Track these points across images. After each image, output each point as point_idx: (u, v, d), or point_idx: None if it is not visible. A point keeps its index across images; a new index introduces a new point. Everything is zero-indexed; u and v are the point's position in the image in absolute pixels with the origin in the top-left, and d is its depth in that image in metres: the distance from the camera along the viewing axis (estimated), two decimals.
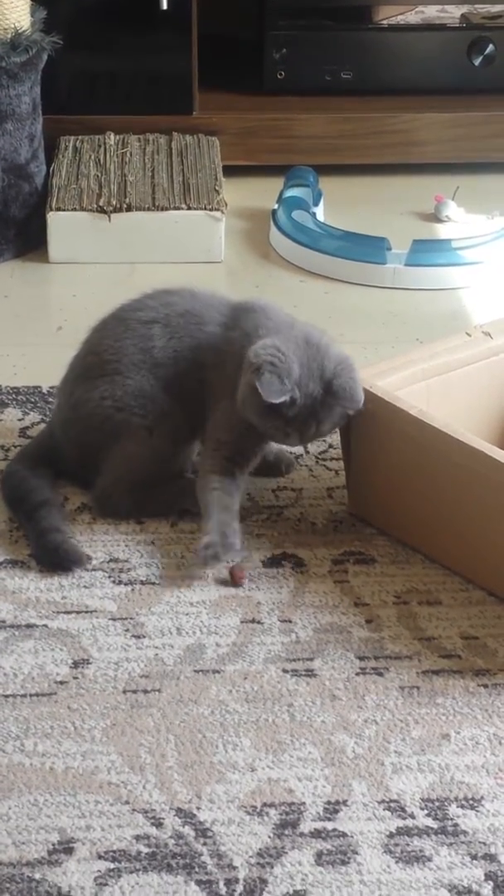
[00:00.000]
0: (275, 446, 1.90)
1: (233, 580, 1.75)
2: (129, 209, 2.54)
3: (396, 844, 1.40)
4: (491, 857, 1.39)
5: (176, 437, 1.84)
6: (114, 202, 2.54)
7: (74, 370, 1.90)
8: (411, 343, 2.27)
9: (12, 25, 2.48)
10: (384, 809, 1.44)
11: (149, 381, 1.83)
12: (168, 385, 1.83)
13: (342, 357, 1.78)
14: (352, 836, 1.41)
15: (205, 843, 1.40)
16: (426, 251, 2.49)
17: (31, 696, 1.57)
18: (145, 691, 1.58)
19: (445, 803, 1.45)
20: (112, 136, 2.76)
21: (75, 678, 1.60)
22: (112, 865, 1.37)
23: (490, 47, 2.87)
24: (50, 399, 2.07)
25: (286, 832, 1.41)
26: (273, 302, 1.91)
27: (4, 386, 2.13)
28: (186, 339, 1.84)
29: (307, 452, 2.00)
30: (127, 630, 1.67)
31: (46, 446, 1.92)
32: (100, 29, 2.77)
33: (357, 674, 1.61)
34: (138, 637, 1.66)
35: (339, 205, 2.73)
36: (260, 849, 1.39)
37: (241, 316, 1.84)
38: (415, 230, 2.64)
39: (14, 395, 2.11)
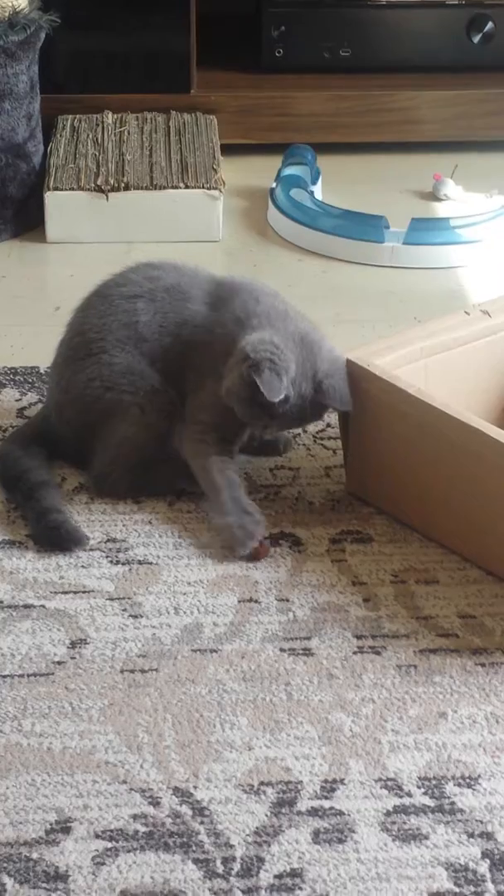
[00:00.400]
0: None
1: (257, 556, 1.75)
2: (126, 188, 2.53)
3: (393, 823, 1.41)
4: (488, 836, 1.39)
5: (169, 412, 1.83)
6: (112, 181, 2.53)
7: (62, 353, 1.90)
8: (409, 322, 2.26)
9: (10, 4, 2.47)
10: (381, 788, 1.44)
11: (135, 357, 1.83)
12: (154, 361, 1.83)
13: (334, 357, 1.78)
14: (349, 815, 1.41)
15: (202, 822, 1.40)
16: (424, 230, 2.49)
17: (28, 676, 1.57)
18: (143, 671, 1.58)
19: (442, 782, 1.45)
20: (110, 115, 2.75)
21: (73, 658, 1.60)
22: (109, 844, 1.37)
23: (489, 24, 2.85)
24: (47, 379, 2.07)
25: (283, 811, 1.41)
26: (257, 280, 1.91)
27: (2, 366, 2.13)
28: (171, 314, 1.83)
29: (304, 431, 1.99)
30: (124, 610, 1.67)
31: (42, 428, 1.91)
32: (98, 7, 2.76)
33: (354, 652, 1.61)
34: (136, 617, 1.66)
35: (337, 183, 2.72)
36: (257, 827, 1.40)
37: (228, 296, 1.83)
38: (413, 209, 2.63)
39: (11, 376, 2.11)
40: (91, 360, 1.84)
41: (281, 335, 1.75)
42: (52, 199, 2.52)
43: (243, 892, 1.33)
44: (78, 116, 2.75)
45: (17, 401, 2.05)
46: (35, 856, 1.36)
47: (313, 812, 1.42)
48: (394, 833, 1.39)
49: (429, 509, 1.78)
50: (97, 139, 2.67)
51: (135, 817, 1.40)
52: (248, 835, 1.39)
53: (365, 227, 2.49)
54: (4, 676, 1.57)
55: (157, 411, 1.82)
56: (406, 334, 1.88)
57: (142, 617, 1.66)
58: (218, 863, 1.36)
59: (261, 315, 1.79)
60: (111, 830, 1.39)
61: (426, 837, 1.39)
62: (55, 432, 1.89)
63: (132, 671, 1.58)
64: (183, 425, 1.83)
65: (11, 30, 2.45)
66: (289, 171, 2.65)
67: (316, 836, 1.39)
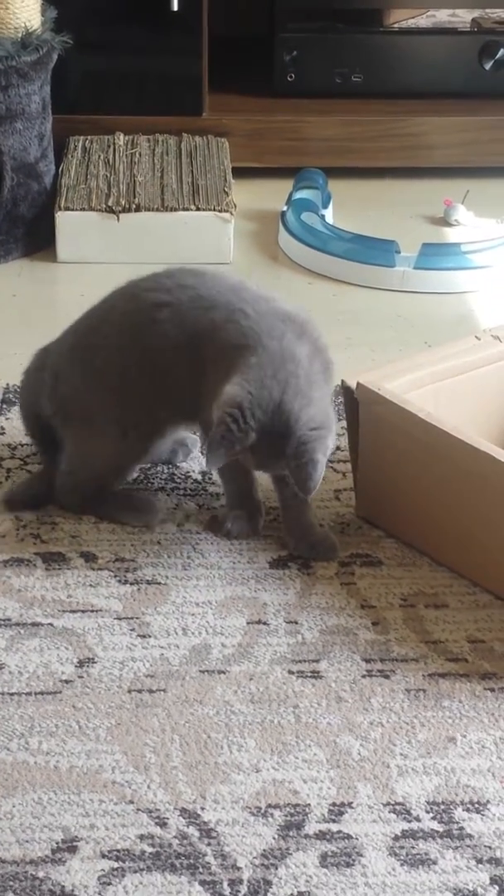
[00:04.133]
0: None
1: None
2: (137, 209, 2.53)
3: (402, 847, 1.40)
4: (496, 861, 1.38)
5: (151, 437, 1.82)
6: (123, 202, 2.54)
7: (69, 341, 1.85)
8: (420, 346, 2.26)
9: (23, 24, 2.48)
10: (389, 812, 1.44)
11: (136, 365, 1.78)
12: (159, 371, 1.78)
13: (312, 426, 1.66)
14: (357, 839, 1.40)
15: (209, 844, 1.39)
16: (435, 254, 2.49)
17: (36, 694, 1.57)
18: (150, 691, 1.58)
19: (451, 806, 1.44)
20: (121, 136, 2.76)
21: (80, 677, 1.59)
22: (116, 865, 1.37)
23: (501, 51, 2.86)
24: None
25: (291, 833, 1.41)
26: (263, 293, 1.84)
27: (12, 384, 2.13)
28: (190, 324, 1.76)
29: None
30: (132, 629, 1.67)
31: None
32: (110, 29, 2.77)
33: (363, 676, 1.61)
34: (144, 637, 1.66)
35: (348, 207, 2.73)
36: (264, 850, 1.39)
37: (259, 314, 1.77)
38: (424, 233, 2.64)
39: None
40: (90, 354, 1.80)
41: (258, 384, 1.66)
42: (63, 219, 2.53)
43: None
44: (89, 137, 2.76)
45: None
46: (41, 875, 1.35)
47: (321, 835, 1.41)
48: (402, 858, 1.38)
49: (438, 533, 1.78)
50: (108, 160, 2.68)
51: (141, 838, 1.40)
52: (255, 857, 1.38)
53: (376, 251, 2.50)
54: (12, 694, 1.57)
55: (140, 437, 1.81)
56: (416, 359, 1.88)
57: (150, 637, 1.66)
58: (225, 885, 1.35)
59: (252, 351, 1.70)
60: (118, 850, 1.38)
61: (434, 862, 1.38)
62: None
63: (140, 691, 1.58)
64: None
65: (24, 50, 2.46)
66: (300, 194, 2.66)
67: (323, 859, 1.38)
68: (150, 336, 1.78)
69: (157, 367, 1.78)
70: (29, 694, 1.57)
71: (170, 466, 1.95)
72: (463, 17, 2.99)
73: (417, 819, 1.43)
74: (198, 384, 1.75)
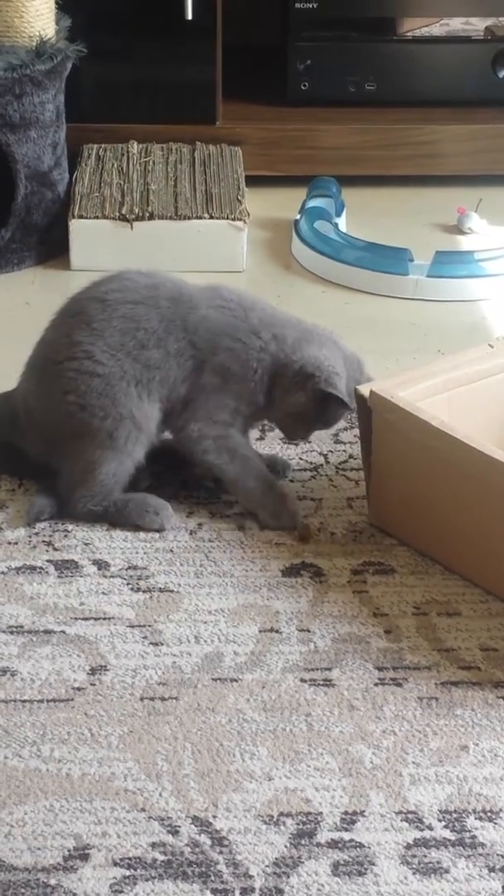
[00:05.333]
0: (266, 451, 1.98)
1: (306, 538, 1.83)
2: (151, 218, 2.54)
3: (414, 856, 1.39)
4: None
5: (139, 440, 1.82)
6: (136, 211, 2.54)
7: (42, 353, 1.86)
8: (433, 354, 2.26)
9: (37, 33, 2.49)
10: (402, 820, 1.43)
11: (122, 369, 1.79)
12: (148, 371, 1.81)
13: (356, 359, 1.92)
14: (369, 847, 1.40)
15: (221, 852, 1.39)
16: (448, 262, 2.49)
17: (48, 701, 1.57)
18: (163, 699, 1.57)
19: (463, 815, 1.44)
20: (135, 144, 2.76)
21: (92, 685, 1.59)
22: (127, 872, 1.36)
23: None
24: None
25: (303, 842, 1.40)
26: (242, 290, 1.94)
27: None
28: (178, 321, 1.82)
29: (327, 462, 1.99)
30: (145, 637, 1.67)
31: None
32: (124, 38, 2.77)
33: (375, 684, 1.60)
34: (156, 644, 1.66)
35: (361, 215, 2.73)
36: (276, 858, 1.39)
37: (247, 306, 1.87)
38: (437, 241, 2.64)
39: None
40: (72, 366, 1.81)
41: (328, 349, 1.86)
42: (76, 227, 2.53)
43: None
44: (103, 146, 2.76)
45: None
46: (53, 882, 1.35)
47: (333, 844, 1.40)
48: (414, 866, 1.38)
49: (451, 541, 1.77)
50: (122, 168, 2.68)
51: (153, 845, 1.40)
52: (267, 866, 1.38)
53: (389, 259, 2.50)
54: (24, 701, 1.57)
55: (128, 440, 1.81)
56: (429, 367, 1.88)
57: (162, 645, 1.66)
58: (237, 893, 1.35)
59: (294, 330, 1.87)
60: (129, 858, 1.38)
61: (447, 871, 1.38)
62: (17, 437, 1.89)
63: (152, 699, 1.58)
64: (195, 427, 1.84)
65: (38, 59, 2.47)
66: (313, 203, 2.66)
67: (335, 868, 1.38)
68: (136, 333, 1.81)
69: (151, 363, 1.82)
70: (41, 701, 1.57)
71: (182, 474, 1.95)
72: (476, 26, 2.99)
73: (430, 827, 1.42)
74: (189, 377, 1.83)
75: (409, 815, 1.44)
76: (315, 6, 2.85)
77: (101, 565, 1.79)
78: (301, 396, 1.83)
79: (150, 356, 1.81)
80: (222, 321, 1.85)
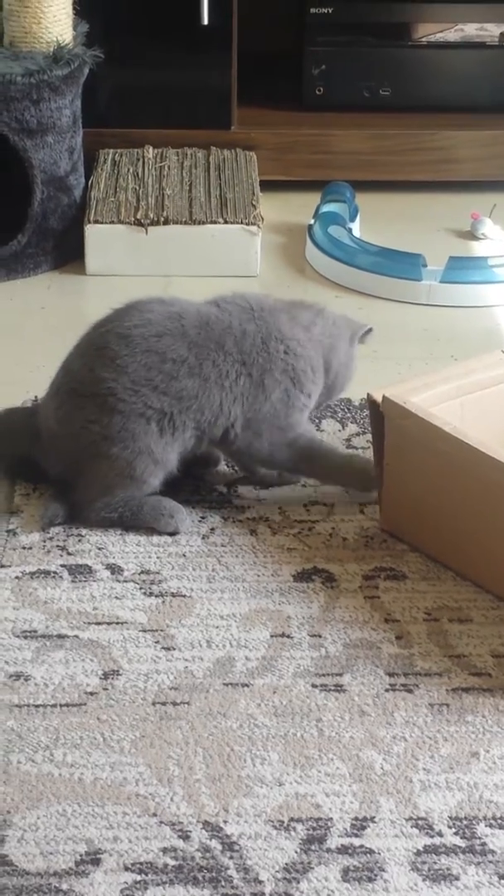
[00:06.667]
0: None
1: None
2: (166, 222, 2.55)
3: (424, 862, 1.40)
4: None
5: (156, 473, 1.84)
6: (151, 215, 2.55)
7: (66, 382, 1.87)
8: (446, 360, 2.27)
9: (55, 39, 2.50)
10: (412, 827, 1.44)
11: (147, 404, 1.81)
12: (181, 401, 1.82)
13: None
14: (379, 853, 1.41)
15: (231, 857, 1.40)
16: (462, 268, 2.49)
17: (61, 706, 1.58)
18: (174, 703, 1.58)
19: (474, 822, 1.44)
20: (151, 149, 2.77)
21: (105, 689, 1.60)
22: (139, 877, 1.37)
23: None
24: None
25: (313, 847, 1.41)
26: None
27: (41, 398, 2.14)
28: (212, 345, 1.83)
29: None
30: (157, 642, 1.67)
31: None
32: (141, 43, 2.78)
33: (386, 690, 1.61)
34: (168, 649, 1.66)
35: (375, 221, 2.73)
36: (286, 863, 1.39)
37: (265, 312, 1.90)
38: (451, 247, 2.64)
39: None
40: (96, 401, 1.82)
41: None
42: (92, 231, 2.54)
43: None
44: (119, 151, 2.77)
45: None
46: (65, 887, 1.36)
47: (343, 850, 1.41)
48: (424, 873, 1.39)
49: (463, 547, 1.78)
50: (138, 173, 2.69)
51: (164, 850, 1.40)
52: (277, 871, 1.38)
53: (402, 264, 2.50)
54: (37, 706, 1.58)
55: (145, 472, 1.83)
56: (442, 372, 1.88)
57: (174, 649, 1.66)
58: None
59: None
60: (141, 863, 1.39)
61: (457, 878, 1.38)
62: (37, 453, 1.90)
63: (164, 703, 1.58)
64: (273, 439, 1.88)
65: (56, 64, 2.48)
66: (327, 208, 2.66)
67: (345, 873, 1.38)
68: (163, 366, 1.82)
69: (181, 394, 1.83)
70: (54, 706, 1.58)
71: (195, 479, 1.96)
72: (491, 32, 2.99)
73: (440, 834, 1.43)
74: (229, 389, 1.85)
75: (420, 822, 1.44)
76: (330, 11, 2.86)
77: (115, 570, 1.80)
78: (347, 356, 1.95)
79: (183, 386, 1.81)
80: (263, 330, 1.86)
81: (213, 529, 1.88)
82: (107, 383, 1.82)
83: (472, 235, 2.72)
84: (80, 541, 1.85)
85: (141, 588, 1.76)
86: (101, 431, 1.82)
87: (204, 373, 1.82)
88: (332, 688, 1.61)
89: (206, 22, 2.72)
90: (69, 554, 1.82)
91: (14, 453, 1.94)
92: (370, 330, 1.98)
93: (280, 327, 1.88)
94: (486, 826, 1.44)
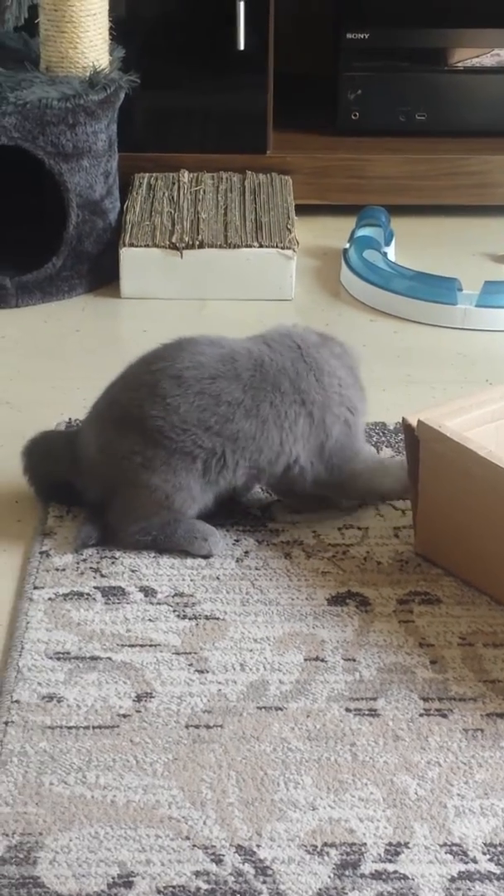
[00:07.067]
0: None
1: None
2: (201, 246, 2.55)
3: (458, 889, 1.39)
4: None
5: (192, 507, 1.85)
6: (186, 239, 2.56)
7: (113, 412, 1.87)
8: (481, 384, 2.26)
9: (91, 64, 2.51)
10: (446, 853, 1.43)
11: (197, 443, 1.81)
12: (235, 441, 1.82)
13: None
14: (413, 879, 1.40)
15: (264, 882, 1.39)
16: (497, 292, 2.49)
17: (93, 728, 1.57)
18: (208, 727, 1.58)
19: None
20: (186, 173, 2.78)
21: (138, 711, 1.60)
22: None
23: None
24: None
25: (347, 873, 1.40)
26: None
27: (75, 420, 2.14)
28: (268, 387, 1.84)
29: None
30: (190, 665, 1.67)
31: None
32: (177, 68, 2.79)
33: (421, 715, 1.60)
34: (202, 672, 1.66)
35: (410, 245, 2.73)
36: (320, 889, 1.38)
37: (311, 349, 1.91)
38: (486, 271, 2.64)
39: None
40: (143, 435, 1.82)
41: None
42: (127, 255, 2.55)
43: None
44: (154, 175, 2.78)
45: None
46: None
47: (377, 875, 1.40)
48: None
49: (498, 572, 1.77)
50: (173, 197, 2.70)
51: (197, 874, 1.40)
52: None
53: (438, 289, 2.50)
54: (70, 728, 1.57)
55: (183, 505, 1.84)
56: (477, 396, 1.88)
57: (208, 672, 1.66)
58: None
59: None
60: (173, 887, 1.38)
61: None
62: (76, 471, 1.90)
63: (197, 726, 1.58)
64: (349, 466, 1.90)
65: (92, 89, 2.49)
66: (362, 232, 2.66)
67: None
68: (218, 409, 1.82)
69: (235, 435, 1.83)
70: (87, 728, 1.57)
71: (229, 502, 1.96)
72: None
73: (474, 861, 1.42)
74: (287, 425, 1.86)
75: (454, 848, 1.43)
76: (366, 36, 2.86)
77: (148, 592, 1.79)
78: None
79: (239, 428, 1.82)
80: (314, 368, 1.87)
81: (247, 552, 1.87)
82: (155, 421, 1.82)
83: None
84: (113, 563, 1.85)
85: (174, 610, 1.76)
86: (143, 462, 1.82)
87: (262, 415, 1.83)
88: (366, 712, 1.60)
89: (242, 47, 2.73)
90: (102, 576, 1.82)
91: (50, 476, 1.94)
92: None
93: (329, 361, 1.89)
94: None
